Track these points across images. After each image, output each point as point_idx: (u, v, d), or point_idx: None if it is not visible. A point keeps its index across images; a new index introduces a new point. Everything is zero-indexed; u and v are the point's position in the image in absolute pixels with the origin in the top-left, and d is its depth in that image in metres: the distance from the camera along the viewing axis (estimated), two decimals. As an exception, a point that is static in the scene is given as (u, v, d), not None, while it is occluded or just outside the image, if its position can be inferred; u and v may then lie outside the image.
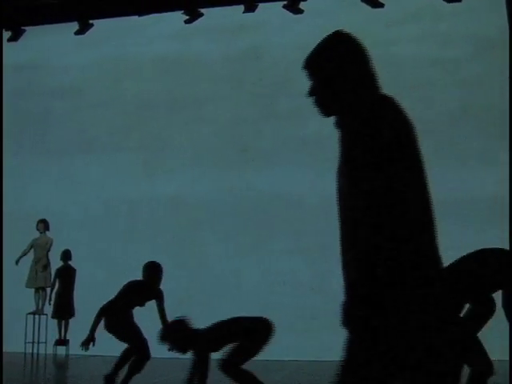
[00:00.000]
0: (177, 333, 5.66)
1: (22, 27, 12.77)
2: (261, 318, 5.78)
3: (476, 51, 10.91)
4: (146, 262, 6.84)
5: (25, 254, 11.32)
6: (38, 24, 12.62)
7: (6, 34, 12.84)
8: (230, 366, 5.52)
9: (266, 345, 5.63)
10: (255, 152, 11.68)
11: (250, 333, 5.58)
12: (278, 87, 11.66)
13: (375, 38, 11.41)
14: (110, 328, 6.57)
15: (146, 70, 12.35)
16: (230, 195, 11.53)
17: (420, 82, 11.16)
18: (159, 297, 6.72)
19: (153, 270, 6.75)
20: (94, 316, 6.44)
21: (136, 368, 6.63)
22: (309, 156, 11.17)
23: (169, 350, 5.86)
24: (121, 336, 6.59)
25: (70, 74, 12.62)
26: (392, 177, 2.36)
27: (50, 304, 11.27)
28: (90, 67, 12.51)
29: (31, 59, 12.93)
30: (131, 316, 6.71)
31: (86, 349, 6.31)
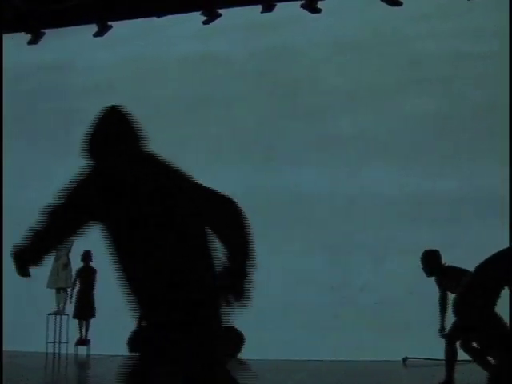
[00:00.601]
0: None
1: (42, 30, 12.88)
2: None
3: (501, 46, 10.79)
4: None
5: None
6: (57, 27, 12.72)
7: (27, 37, 12.96)
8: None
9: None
10: (278, 151, 11.65)
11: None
12: (301, 85, 11.61)
13: (397, 35, 11.38)
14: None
15: (169, 70, 12.33)
16: (252, 194, 11.52)
17: (444, 78, 11.09)
18: None
19: None
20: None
21: None
22: (331, 155, 11.13)
23: None
24: None
25: (94, 74, 12.66)
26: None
27: (70, 303, 11.34)
28: (113, 68, 12.54)
29: (55, 60, 13.00)
30: None
31: None
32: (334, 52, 11.48)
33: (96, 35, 12.57)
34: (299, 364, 8.94)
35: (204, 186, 3.25)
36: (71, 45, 12.89)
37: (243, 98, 11.88)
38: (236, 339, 5.52)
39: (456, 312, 5.64)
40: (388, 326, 9.98)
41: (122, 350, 11.17)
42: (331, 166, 11.09)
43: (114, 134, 3.27)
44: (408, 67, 11.28)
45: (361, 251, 10.62)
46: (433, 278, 6.89)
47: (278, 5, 11.61)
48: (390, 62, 11.29)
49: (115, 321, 11.32)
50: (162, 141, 12.15)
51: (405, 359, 9.73)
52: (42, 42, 13.02)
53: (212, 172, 11.87)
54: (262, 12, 11.79)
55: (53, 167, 12.52)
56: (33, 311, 11.45)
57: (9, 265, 10.96)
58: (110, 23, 12.54)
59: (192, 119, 12.07)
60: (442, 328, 6.79)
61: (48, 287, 11.21)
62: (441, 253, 6.93)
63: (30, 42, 13.01)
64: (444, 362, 6.48)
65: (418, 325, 9.37)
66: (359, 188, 11.00)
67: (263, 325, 10.29)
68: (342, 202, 11.07)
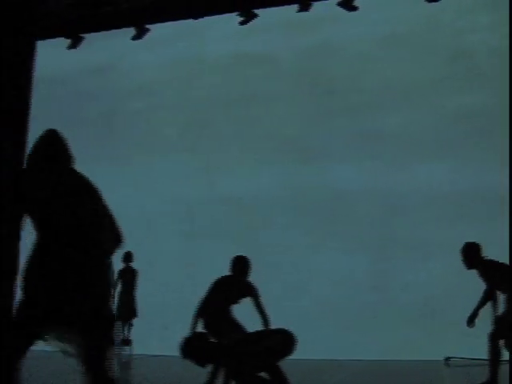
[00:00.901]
0: (199, 347, 5.59)
1: (81, 35, 13.06)
2: (283, 330, 5.66)
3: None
4: (235, 256, 6.81)
5: None
6: (96, 31, 12.88)
7: (65, 42, 13.14)
8: (245, 373, 5.44)
9: (286, 357, 5.52)
10: (320, 148, 11.57)
11: (271, 348, 5.48)
12: (342, 82, 11.52)
13: (436, 29, 11.22)
14: (209, 327, 6.46)
15: (210, 71, 12.37)
16: (294, 193, 11.51)
17: (487, 73, 10.92)
18: (253, 293, 6.63)
19: (239, 264, 6.72)
20: (192, 317, 6.38)
21: None
22: (373, 152, 11.01)
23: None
24: (220, 335, 6.48)
25: (136, 76, 12.78)
26: None
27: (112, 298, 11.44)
28: (155, 69, 12.64)
29: (96, 64, 13.16)
30: (230, 313, 6.60)
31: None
32: (374, 48, 11.38)
33: (134, 38, 12.68)
34: (342, 363, 8.89)
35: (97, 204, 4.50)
36: (111, 49, 13.03)
37: (285, 97, 11.86)
38: (286, 340, 5.49)
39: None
40: (430, 326, 9.88)
41: (163, 349, 11.29)
42: (373, 164, 10.99)
43: (44, 155, 4.47)
44: (450, 62, 11.14)
45: (403, 249, 10.50)
46: (478, 277, 6.81)
47: (315, 4, 11.57)
48: (431, 57, 11.14)
49: (156, 321, 11.47)
50: (205, 140, 12.29)
51: (447, 359, 9.61)
52: (81, 46, 13.20)
53: (254, 171, 11.89)
54: (298, 11, 11.75)
55: (98, 168, 12.67)
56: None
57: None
58: (147, 26, 12.65)
59: (234, 118, 12.08)
60: (471, 319, 6.74)
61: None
62: (482, 246, 6.88)
63: (70, 47, 13.19)
64: (487, 362, 6.40)
65: (462, 324, 9.25)
66: (402, 185, 10.87)
67: (305, 324, 10.28)
68: (383, 200, 10.96)
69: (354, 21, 11.53)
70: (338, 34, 11.72)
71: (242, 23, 12.11)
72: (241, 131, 12.05)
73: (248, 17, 11.98)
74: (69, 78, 13.26)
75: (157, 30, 12.63)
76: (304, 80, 11.84)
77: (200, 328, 6.44)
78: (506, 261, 5.88)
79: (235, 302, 6.52)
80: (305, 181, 11.43)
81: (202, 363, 5.54)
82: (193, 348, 5.52)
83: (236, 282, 6.50)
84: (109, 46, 13.04)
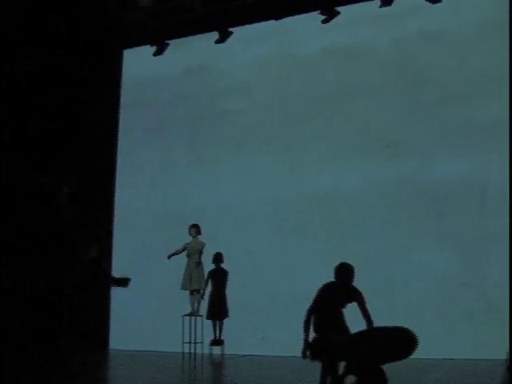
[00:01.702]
0: (323, 348, 5.61)
1: (166, 41, 13.35)
2: (402, 328, 5.58)
3: None
4: (339, 263, 6.91)
5: (177, 253, 11.72)
6: (179, 37, 13.14)
7: (151, 49, 13.47)
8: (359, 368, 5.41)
9: (405, 358, 5.44)
10: (420, 140, 11.22)
11: (387, 348, 5.41)
12: (442, 72, 11.18)
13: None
14: (318, 329, 6.58)
15: (307, 66, 12.22)
16: (378, 189, 11.35)
17: None
18: (359, 298, 6.69)
19: (342, 271, 6.79)
20: (303, 321, 6.48)
21: None
22: (470, 143, 10.62)
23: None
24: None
25: (231, 75, 12.80)
26: None
27: (203, 299, 11.62)
28: (250, 68, 12.63)
29: (187, 68, 13.30)
30: (341, 317, 6.69)
31: (309, 358, 6.26)
32: (467, 37, 10.98)
33: (218, 42, 12.87)
34: (434, 363, 8.74)
35: None
36: (197, 52, 13.22)
37: (381, 90, 11.62)
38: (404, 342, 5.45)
39: None
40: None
41: (255, 349, 11.39)
42: (467, 155, 10.62)
43: None
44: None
45: (495, 245, 10.16)
46: None
47: (397, -2, 11.44)
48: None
49: (247, 321, 11.56)
50: (296, 138, 12.24)
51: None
52: (166, 52, 13.49)
53: (344, 167, 11.75)
54: (380, 6, 11.63)
55: (190, 171, 12.84)
56: (168, 313, 11.86)
57: (147, 271, 11.44)
58: (230, 29, 12.81)
59: (327, 114, 11.95)
60: None
61: (182, 289, 11.55)
62: None
63: (156, 54, 13.51)
64: None
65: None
66: (492, 178, 10.49)
67: (397, 322, 10.14)
68: (471, 192, 10.63)
69: (439, 13, 11.28)
70: (430, 26, 11.38)
71: (324, 21, 12.08)
72: (333, 127, 11.88)
73: (330, 15, 11.95)
74: (161, 81, 13.47)
75: (244, 30, 12.74)
76: (398, 71, 11.54)
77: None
78: None
79: (343, 306, 6.60)
80: (395, 176, 11.23)
81: (328, 363, 5.62)
82: (318, 349, 5.58)
83: (342, 288, 6.57)
84: (199, 48, 13.25)
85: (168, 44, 13.43)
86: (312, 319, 6.34)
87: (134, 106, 13.63)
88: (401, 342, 5.55)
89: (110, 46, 13.43)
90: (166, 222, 12.69)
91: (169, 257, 11.48)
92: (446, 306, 10.34)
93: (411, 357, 5.63)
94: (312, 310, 6.35)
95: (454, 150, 10.80)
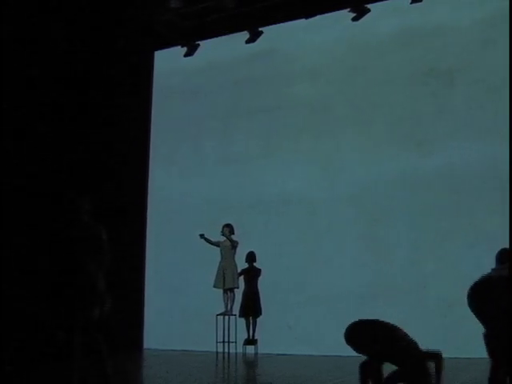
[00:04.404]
0: None
1: (196, 42, 13.41)
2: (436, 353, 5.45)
3: None
4: None
5: (210, 241, 11.71)
6: (209, 38, 13.19)
7: (182, 50, 13.54)
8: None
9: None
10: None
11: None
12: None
13: None
14: None
15: (385, 45, 11.91)
16: (404, 180, 11.19)
17: None
18: None
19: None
20: None
21: None
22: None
23: None
24: None
25: (304, 58, 12.55)
26: None
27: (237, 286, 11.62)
28: (324, 51, 12.39)
29: (260, 48, 12.93)
30: None
31: None
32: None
33: (248, 42, 12.90)
34: (468, 362, 8.64)
35: None
36: (226, 53, 13.22)
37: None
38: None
39: None
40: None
41: (288, 348, 11.36)
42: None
43: None
44: None
45: None
46: None
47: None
48: None
49: (280, 320, 11.56)
50: (389, 113, 11.24)
51: None
52: (197, 53, 13.53)
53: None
54: (411, 3, 11.55)
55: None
56: (201, 312, 11.91)
57: (180, 270, 11.50)
58: (260, 29, 12.81)
59: (407, 97, 11.62)
60: None
61: (214, 287, 11.59)
62: None
63: (186, 55, 13.58)
64: None
65: None
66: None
67: (432, 319, 10.03)
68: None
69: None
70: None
71: (354, 19, 12.02)
72: (416, 107, 11.49)
73: (360, 13, 11.88)
74: (230, 66, 13.32)
75: (268, 32, 12.63)
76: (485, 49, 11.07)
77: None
78: None
79: None
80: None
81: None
82: None
83: None
84: (223, 52, 13.23)
85: (198, 45, 13.49)
86: None
87: (206, 91, 13.45)
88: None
89: (142, 48, 13.53)
90: (199, 222, 12.73)
91: (201, 236, 11.49)
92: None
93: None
94: None
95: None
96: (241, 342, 11.50)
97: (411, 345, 5.31)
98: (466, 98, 11.11)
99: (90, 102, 12.07)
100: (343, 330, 5.52)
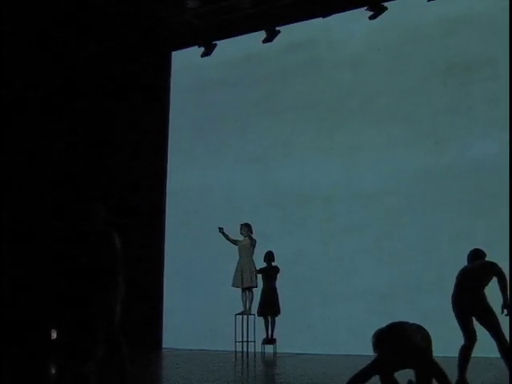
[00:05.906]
0: None
1: (213, 42, 13.42)
2: None
3: None
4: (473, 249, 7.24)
5: (228, 238, 11.73)
6: (226, 37, 13.19)
7: (199, 50, 13.56)
8: None
9: None
10: None
11: None
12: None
13: None
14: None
15: (429, 34, 11.76)
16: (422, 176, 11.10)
17: None
18: (498, 274, 6.82)
19: (475, 254, 7.17)
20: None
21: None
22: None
23: None
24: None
25: (345, 47, 12.45)
26: None
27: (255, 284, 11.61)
28: (365, 39, 12.29)
29: (302, 39, 12.77)
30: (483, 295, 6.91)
31: None
32: None
33: (265, 41, 12.88)
34: (488, 362, 8.56)
35: None
36: (243, 54, 13.21)
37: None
38: None
39: None
40: None
41: (308, 348, 11.30)
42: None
43: None
44: None
45: None
46: None
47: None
48: None
49: (299, 319, 11.55)
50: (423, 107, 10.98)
51: None
52: (214, 53, 13.55)
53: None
54: (428, 1, 11.48)
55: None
56: (220, 311, 11.93)
57: (199, 270, 11.50)
58: (277, 28, 12.80)
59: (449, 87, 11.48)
60: None
61: (233, 286, 11.60)
62: None
63: (204, 55, 13.59)
64: None
65: None
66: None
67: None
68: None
69: None
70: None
71: (371, 17, 11.97)
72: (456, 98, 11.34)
73: (377, 11, 11.83)
74: (247, 65, 13.32)
75: (285, 31, 12.59)
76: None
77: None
78: None
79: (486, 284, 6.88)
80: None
81: None
82: None
83: (482, 268, 6.92)
84: (239, 52, 13.22)
85: (216, 44, 13.50)
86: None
87: (246, 81, 13.35)
88: None
89: (159, 48, 13.57)
90: (218, 221, 12.72)
91: (220, 229, 11.53)
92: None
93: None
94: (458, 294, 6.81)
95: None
96: (260, 341, 11.49)
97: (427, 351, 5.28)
98: (484, 95, 11.02)
99: (107, 104, 12.14)
100: (362, 330, 5.50)
